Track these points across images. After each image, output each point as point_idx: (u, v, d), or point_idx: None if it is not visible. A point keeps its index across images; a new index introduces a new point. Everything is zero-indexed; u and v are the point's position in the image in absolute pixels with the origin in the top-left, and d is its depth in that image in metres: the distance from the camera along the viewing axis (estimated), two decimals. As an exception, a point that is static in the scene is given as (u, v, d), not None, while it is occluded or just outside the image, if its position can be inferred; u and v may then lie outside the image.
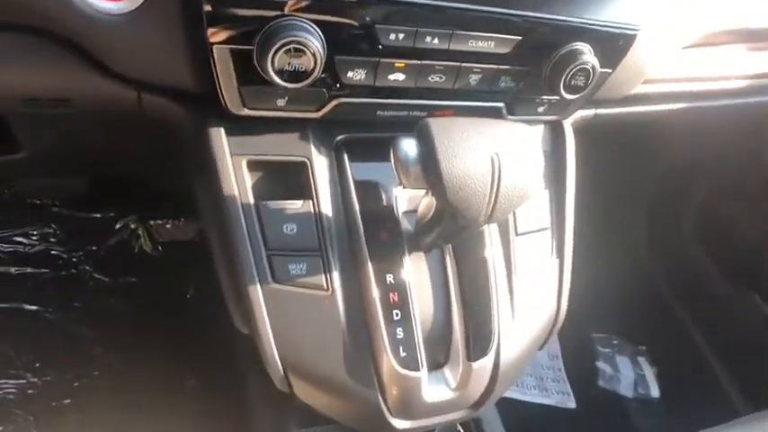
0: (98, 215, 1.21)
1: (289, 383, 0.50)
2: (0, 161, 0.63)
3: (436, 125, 0.41)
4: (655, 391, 1.28)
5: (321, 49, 0.41)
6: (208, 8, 0.39)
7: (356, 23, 0.43)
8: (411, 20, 0.44)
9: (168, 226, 1.21)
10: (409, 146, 0.41)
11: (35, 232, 1.18)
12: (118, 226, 1.20)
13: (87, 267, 1.16)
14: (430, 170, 0.40)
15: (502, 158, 0.40)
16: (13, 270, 1.14)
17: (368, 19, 0.43)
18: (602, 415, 1.21)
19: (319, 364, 0.48)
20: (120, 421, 1.00)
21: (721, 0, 0.63)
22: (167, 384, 1.02)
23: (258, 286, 0.47)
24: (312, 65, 0.42)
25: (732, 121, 0.88)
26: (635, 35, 0.53)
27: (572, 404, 1.21)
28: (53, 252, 1.17)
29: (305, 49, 0.41)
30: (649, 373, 1.31)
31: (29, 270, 1.15)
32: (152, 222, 1.21)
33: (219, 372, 0.96)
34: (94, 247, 1.18)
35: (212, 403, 0.97)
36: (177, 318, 1.11)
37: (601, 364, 1.31)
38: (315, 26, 0.41)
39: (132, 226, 1.20)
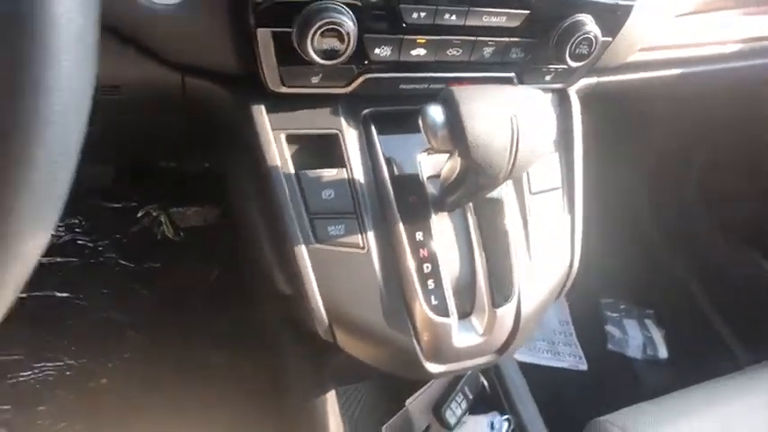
0: (119, 205, 1.27)
1: (333, 334, 0.56)
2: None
3: (459, 92, 0.46)
4: (663, 352, 1.34)
5: (353, 29, 0.47)
6: (256, -3, 0.45)
7: (383, 4, 0.48)
8: (432, -1, 0.49)
9: (189, 212, 1.27)
10: (436, 112, 0.46)
11: (62, 223, 1.24)
12: (140, 214, 1.26)
13: (113, 255, 1.22)
14: (456, 132, 0.45)
15: (520, 120, 0.46)
16: (43, 260, 1.20)
17: (395, 0, 0.48)
18: (612, 376, 1.28)
19: (360, 314, 0.54)
20: (155, 397, 1.06)
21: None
22: (199, 360, 1.08)
23: (303, 246, 0.53)
24: (345, 44, 0.47)
25: (727, 86, 0.93)
26: (632, 6, 0.58)
27: (584, 366, 1.28)
28: (79, 242, 1.23)
29: (339, 29, 0.46)
30: (657, 335, 1.38)
31: (58, 260, 1.21)
32: (173, 209, 1.26)
33: (250, 344, 1.02)
34: (119, 236, 1.24)
35: (246, 372, 1.03)
36: (203, 298, 1.17)
37: (610, 328, 1.37)
38: (346, 8, 0.47)
39: (154, 213, 1.26)
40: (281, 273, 0.58)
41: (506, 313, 0.58)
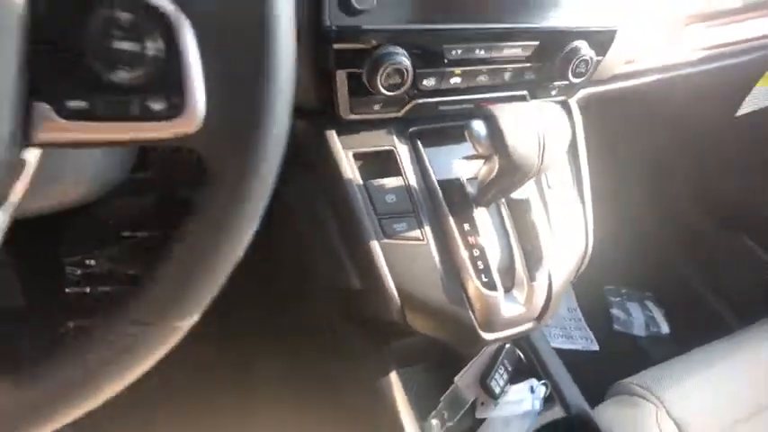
0: (156, 233, 1.38)
1: (403, 315, 0.68)
2: (132, 177, 0.80)
3: (497, 110, 0.60)
4: (664, 328, 1.49)
5: (410, 67, 0.61)
6: (336, 46, 0.58)
7: (431, 47, 0.62)
8: (466, 39, 0.64)
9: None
10: (479, 125, 0.60)
11: (103, 254, 1.35)
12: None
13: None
14: (497, 140, 0.59)
15: (546, 130, 0.60)
16: (87, 290, 1.31)
17: (439, 42, 0.62)
18: (621, 353, 1.42)
19: (425, 295, 0.67)
20: (218, 407, 1.17)
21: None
22: (257, 366, 1.20)
23: (376, 242, 0.66)
24: (404, 79, 0.61)
25: (698, 87, 1.10)
26: (615, 31, 0.74)
27: (595, 347, 1.42)
28: (122, 271, 1.34)
29: (401, 68, 0.60)
30: (657, 313, 1.53)
31: (104, 289, 1.32)
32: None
33: (307, 344, 1.13)
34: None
35: (308, 371, 1.13)
36: (254, 310, 1.29)
37: (614, 311, 1.52)
38: (405, 51, 0.61)
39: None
40: (354, 268, 0.71)
41: (540, 286, 0.71)
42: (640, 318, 1.51)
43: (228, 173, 0.38)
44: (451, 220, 0.69)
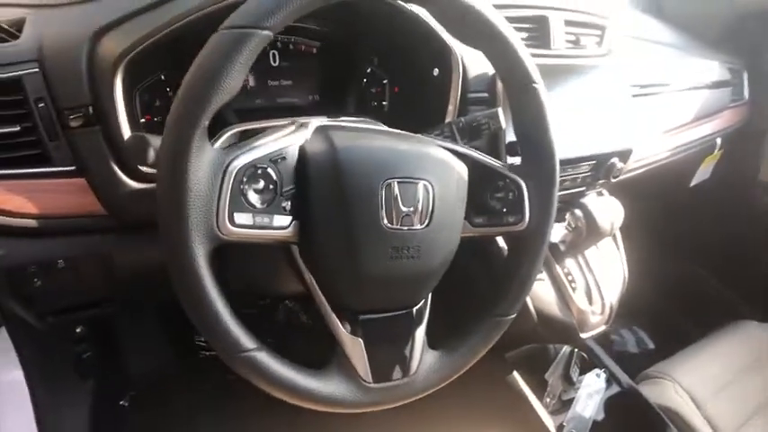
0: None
1: (537, 325, 1.23)
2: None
3: (587, 201, 1.19)
4: (651, 344, 2.12)
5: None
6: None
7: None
8: (565, 164, 1.23)
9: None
10: (578, 211, 1.19)
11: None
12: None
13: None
14: (590, 219, 1.18)
15: (613, 211, 1.20)
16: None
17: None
18: (624, 364, 2.02)
19: (547, 311, 1.23)
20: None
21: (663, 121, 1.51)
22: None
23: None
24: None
25: (666, 171, 1.77)
26: (632, 150, 1.36)
27: (605, 363, 2.00)
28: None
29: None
30: (644, 335, 2.15)
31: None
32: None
33: None
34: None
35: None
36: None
37: (613, 337, 2.13)
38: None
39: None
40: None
41: (607, 303, 1.29)
42: (632, 339, 2.12)
43: (536, 237, 0.91)
44: (557, 266, 1.26)
